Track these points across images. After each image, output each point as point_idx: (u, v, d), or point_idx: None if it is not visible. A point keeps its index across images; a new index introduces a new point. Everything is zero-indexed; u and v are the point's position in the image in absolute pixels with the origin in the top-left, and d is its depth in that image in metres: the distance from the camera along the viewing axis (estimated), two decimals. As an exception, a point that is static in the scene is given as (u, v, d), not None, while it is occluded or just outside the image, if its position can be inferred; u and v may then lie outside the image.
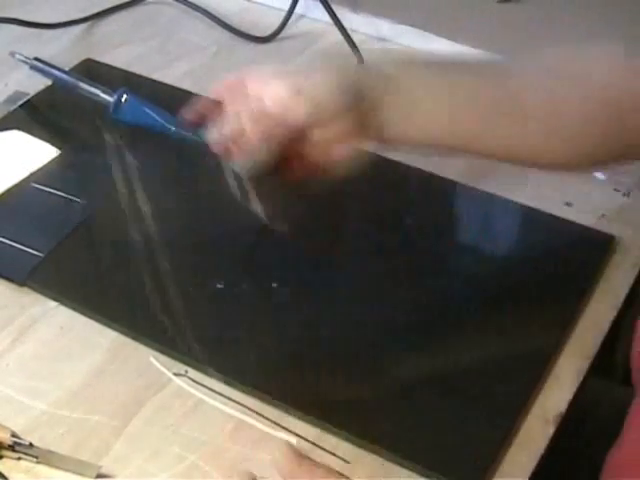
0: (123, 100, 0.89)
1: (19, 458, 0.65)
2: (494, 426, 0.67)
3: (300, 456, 0.59)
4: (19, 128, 0.93)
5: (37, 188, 0.86)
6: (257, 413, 0.69)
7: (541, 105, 0.69)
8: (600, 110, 0.69)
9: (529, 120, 0.69)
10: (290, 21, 1.08)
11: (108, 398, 0.70)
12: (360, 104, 0.67)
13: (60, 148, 0.92)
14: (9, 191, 0.86)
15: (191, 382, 0.71)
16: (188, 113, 0.73)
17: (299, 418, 0.68)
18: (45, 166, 0.89)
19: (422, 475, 0.65)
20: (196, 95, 0.97)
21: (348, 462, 0.66)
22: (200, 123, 0.73)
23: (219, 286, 0.77)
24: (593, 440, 0.67)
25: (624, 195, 0.86)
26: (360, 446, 0.66)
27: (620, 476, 0.60)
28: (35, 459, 0.65)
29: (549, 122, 0.69)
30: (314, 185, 0.73)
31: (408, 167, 0.89)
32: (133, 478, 0.65)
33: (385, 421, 0.68)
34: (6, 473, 0.64)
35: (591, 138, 0.69)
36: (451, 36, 1.03)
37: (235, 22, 1.09)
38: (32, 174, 0.87)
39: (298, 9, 1.09)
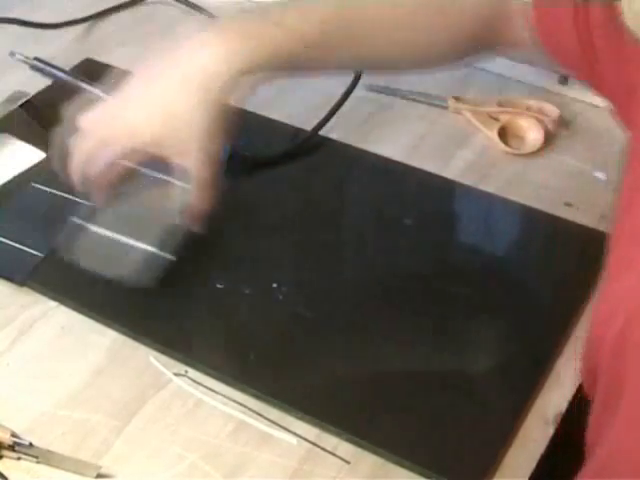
0: (123, 100, 0.89)
1: (19, 458, 0.65)
2: (494, 426, 0.67)
3: None
4: (18, 128, 0.93)
5: (37, 188, 0.86)
6: (257, 413, 0.69)
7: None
8: (466, 37, 0.72)
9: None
10: (290, 21, 1.08)
11: (108, 398, 0.70)
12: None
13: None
14: (9, 191, 0.86)
15: (191, 382, 0.71)
16: None
17: (299, 418, 0.68)
18: (45, 166, 0.89)
19: (422, 475, 0.65)
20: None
21: (348, 462, 0.66)
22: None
23: (219, 286, 0.77)
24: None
25: None
26: (360, 446, 0.66)
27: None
28: (35, 459, 0.65)
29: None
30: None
31: (408, 167, 0.89)
32: (133, 478, 0.65)
33: (385, 421, 0.68)
34: (6, 473, 0.64)
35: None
36: (451, 36, 1.03)
37: (235, 22, 1.09)
38: (31, 175, 0.87)
39: (298, 9, 1.08)
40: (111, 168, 0.72)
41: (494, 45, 0.74)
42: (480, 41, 0.73)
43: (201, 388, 0.70)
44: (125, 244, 0.75)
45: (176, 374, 0.71)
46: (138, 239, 0.75)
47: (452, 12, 0.71)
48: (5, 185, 0.86)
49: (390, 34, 0.71)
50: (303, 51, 0.69)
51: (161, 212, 0.75)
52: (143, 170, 0.74)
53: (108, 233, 0.76)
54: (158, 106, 0.69)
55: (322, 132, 0.93)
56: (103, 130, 0.71)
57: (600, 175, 0.88)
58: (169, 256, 0.74)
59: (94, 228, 0.76)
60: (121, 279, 0.72)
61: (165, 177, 0.74)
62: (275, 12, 0.70)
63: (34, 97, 0.97)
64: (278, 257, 0.80)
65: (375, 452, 0.66)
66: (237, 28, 0.69)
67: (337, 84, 0.98)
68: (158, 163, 0.72)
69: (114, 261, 0.75)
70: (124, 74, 0.73)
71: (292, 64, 0.70)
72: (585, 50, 0.64)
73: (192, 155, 0.70)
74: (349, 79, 0.98)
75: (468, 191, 0.87)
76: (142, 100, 0.70)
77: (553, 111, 0.94)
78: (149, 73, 0.71)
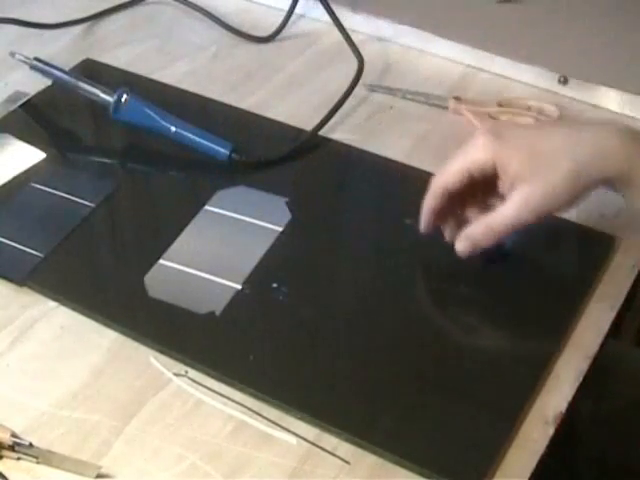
0: (123, 100, 0.90)
1: (19, 458, 0.65)
2: (494, 426, 0.67)
3: None
4: (18, 128, 0.93)
5: (37, 188, 0.86)
6: (257, 413, 0.69)
7: None
8: None
9: None
10: (290, 21, 1.08)
11: (108, 398, 0.70)
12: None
13: (57, 148, 0.92)
14: (9, 191, 0.86)
15: (191, 382, 0.71)
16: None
17: (299, 418, 0.68)
18: (45, 166, 0.89)
19: (422, 475, 0.65)
20: (196, 95, 0.98)
21: (348, 462, 0.66)
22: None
23: (219, 286, 0.77)
24: (594, 439, 0.67)
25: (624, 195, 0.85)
26: (360, 446, 0.66)
27: None
28: (35, 459, 0.65)
29: None
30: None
31: (408, 167, 0.89)
32: (133, 478, 0.65)
33: (385, 421, 0.68)
34: (6, 473, 0.64)
35: None
36: (451, 36, 1.03)
37: (235, 22, 1.09)
38: (31, 175, 0.87)
39: (298, 9, 1.09)
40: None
41: None
42: None
43: (201, 388, 0.70)
44: (202, 278, 0.77)
45: (176, 374, 0.71)
46: (215, 274, 0.77)
47: None
48: (5, 185, 0.86)
49: None
50: None
51: (242, 251, 0.79)
52: (233, 215, 0.81)
53: (190, 270, 0.77)
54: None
55: (322, 132, 0.93)
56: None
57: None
58: (238, 286, 0.76)
59: (176, 266, 0.78)
60: (199, 311, 0.74)
61: (252, 220, 0.80)
62: None
63: (34, 97, 0.97)
64: (278, 257, 0.80)
65: (375, 452, 0.66)
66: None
67: (337, 84, 0.98)
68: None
69: (194, 295, 0.76)
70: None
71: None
72: None
73: (528, 188, 0.71)
74: (349, 79, 0.98)
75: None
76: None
77: (553, 111, 0.94)
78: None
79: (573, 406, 0.70)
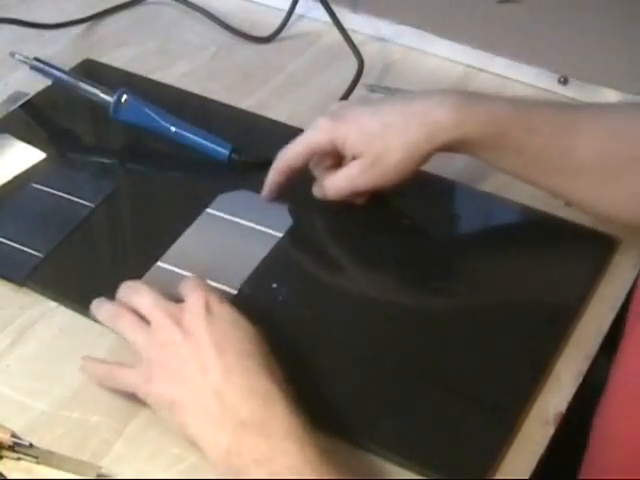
0: (123, 100, 0.90)
1: (19, 458, 0.65)
2: (494, 426, 0.67)
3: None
4: (18, 128, 0.93)
5: (37, 188, 0.86)
6: (257, 413, 0.68)
7: (592, 164, 0.76)
8: None
9: (579, 175, 0.76)
10: (290, 21, 1.08)
11: (108, 398, 0.69)
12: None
13: (57, 148, 0.92)
14: (9, 191, 0.86)
15: (191, 382, 0.71)
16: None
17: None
18: (45, 166, 0.89)
19: (422, 475, 0.65)
20: (196, 95, 0.98)
21: (348, 462, 0.65)
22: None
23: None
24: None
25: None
26: (360, 446, 0.66)
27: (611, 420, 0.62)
28: (35, 459, 0.65)
29: (600, 180, 0.76)
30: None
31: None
32: (133, 478, 0.65)
33: (385, 421, 0.68)
34: (6, 473, 0.64)
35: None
36: (451, 36, 1.03)
37: (235, 22, 1.09)
38: (31, 175, 0.87)
39: (298, 9, 1.09)
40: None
41: None
42: None
43: (201, 388, 0.70)
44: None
45: (176, 374, 0.71)
46: (209, 277, 0.75)
47: None
48: (5, 185, 0.86)
49: None
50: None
51: (240, 256, 0.79)
52: (234, 219, 0.82)
53: (185, 272, 0.77)
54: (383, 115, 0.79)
55: (322, 132, 0.93)
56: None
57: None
58: (234, 291, 0.76)
59: (173, 269, 0.78)
60: None
61: (252, 225, 0.81)
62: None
63: (34, 97, 0.97)
64: (278, 257, 0.80)
65: (375, 452, 0.66)
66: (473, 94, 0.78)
67: (337, 84, 0.98)
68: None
69: None
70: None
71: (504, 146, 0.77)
72: None
73: (361, 162, 0.79)
74: (349, 79, 0.98)
75: (468, 191, 0.87)
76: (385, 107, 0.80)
77: (553, 111, 0.94)
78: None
79: (573, 406, 0.70)
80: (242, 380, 0.63)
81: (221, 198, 0.85)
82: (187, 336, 0.65)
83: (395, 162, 0.78)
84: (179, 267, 0.78)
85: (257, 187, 0.86)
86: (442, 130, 0.76)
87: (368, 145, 0.78)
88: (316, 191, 0.83)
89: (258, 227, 0.82)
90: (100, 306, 0.71)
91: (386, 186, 0.80)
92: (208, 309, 0.66)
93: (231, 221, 0.82)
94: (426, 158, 0.78)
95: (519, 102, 0.77)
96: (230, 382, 0.62)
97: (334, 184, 0.81)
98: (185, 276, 0.75)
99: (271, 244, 0.80)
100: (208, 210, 0.83)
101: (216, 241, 0.81)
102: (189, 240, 0.81)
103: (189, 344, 0.65)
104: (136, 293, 0.70)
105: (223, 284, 0.76)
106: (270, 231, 0.81)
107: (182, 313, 0.66)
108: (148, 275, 0.77)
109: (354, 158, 0.79)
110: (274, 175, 0.82)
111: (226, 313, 0.67)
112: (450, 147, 0.77)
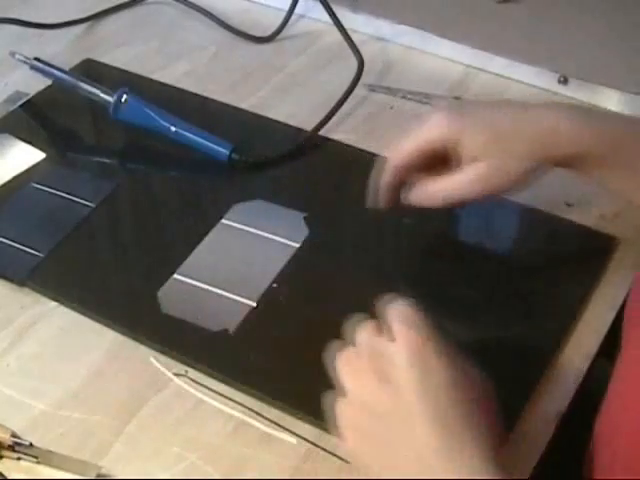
0: (123, 100, 0.90)
1: (19, 458, 0.65)
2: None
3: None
4: (18, 128, 0.93)
5: (37, 188, 0.86)
6: (257, 413, 0.69)
7: None
8: None
9: None
10: (290, 21, 1.08)
11: (108, 398, 0.70)
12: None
13: (57, 148, 0.92)
14: (9, 191, 0.86)
15: (191, 382, 0.71)
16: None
17: (299, 418, 0.68)
18: (45, 166, 0.89)
19: (422, 475, 0.65)
20: (196, 95, 0.98)
21: (348, 462, 0.66)
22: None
23: (219, 286, 0.77)
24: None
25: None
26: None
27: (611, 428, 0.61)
28: (35, 459, 0.65)
29: None
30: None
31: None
32: (133, 478, 0.65)
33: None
34: (6, 473, 0.64)
35: None
36: (451, 36, 1.03)
37: (235, 22, 1.09)
38: (31, 175, 0.87)
39: (298, 9, 1.09)
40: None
41: None
42: None
43: (201, 388, 0.70)
44: (215, 294, 0.76)
45: (176, 374, 0.71)
46: (228, 290, 0.76)
47: None
48: (5, 185, 0.86)
49: None
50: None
51: (256, 266, 0.78)
52: (250, 229, 0.80)
53: (204, 285, 0.77)
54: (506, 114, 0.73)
55: (322, 132, 0.93)
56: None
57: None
58: (253, 304, 0.75)
59: (192, 281, 0.77)
60: (211, 327, 0.74)
61: (269, 235, 0.80)
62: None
63: (34, 97, 0.97)
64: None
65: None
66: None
67: (337, 84, 0.98)
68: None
69: (205, 310, 0.75)
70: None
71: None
72: None
73: (478, 167, 0.72)
74: (349, 79, 0.98)
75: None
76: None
77: (553, 111, 0.94)
78: None
79: (573, 406, 0.70)
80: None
81: (236, 208, 0.84)
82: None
83: (515, 171, 0.72)
84: (197, 280, 0.77)
85: (257, 188, 0.86)
86: (565, 143, 0.71)
87: (487, 149, 0.72)
88: (413, 197, 0.76)
89: (275, 237, 0.81)
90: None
91: (490, 197, 0.74)
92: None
93: (247, 232, 0.82)
94: (542, 171, 0.73)
95: (635, 120, 0.74)
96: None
97: (444, 190, 0.74)
98: (201, 288, 0.75)
99: (289, 254, 0.80)
100: (223, 221, 0.82)
101: (233, 252, 0.80)
102: (205, 251, 0.80)
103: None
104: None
105: (242, 296, 0.76)
106: (287, 241, 0.81)
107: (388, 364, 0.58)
108: (165, 288, 0.77)
109: (461, 162, 0.73)
110: (388, 178, 0.75)
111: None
112: (566, 161, 0.72)
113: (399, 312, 0.61)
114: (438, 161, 0.74)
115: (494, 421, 0.58)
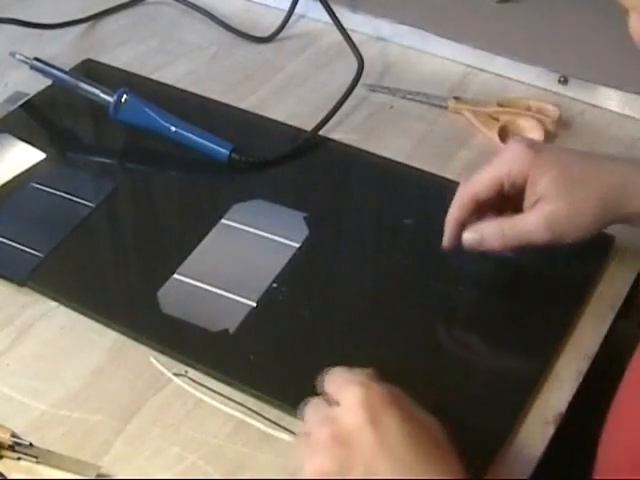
0: (123, 100, 0.90)
1: (19, 458, 0.65)
2: (494, 426, 0.67)
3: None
4: (18, 128, 0.93)
5: (37, 188, 0.86)
6: (257, 413, 0.69)
7: None
8: None
9: None
10: (290, 21, 1.08)
11: (108, 398, 0.70)
12: None
13: (57, 148, 0.92)
14: (9, 191, 0.86)
15: (191, 382, 0.71)
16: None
17: (299, 418, 0.68)
18: (45, 166, 0.89)
19: (422, 475, 0.65)
20: (196, 95, 0.98)
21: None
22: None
23: (219, 286, 0.77)
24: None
25: None
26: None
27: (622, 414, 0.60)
28: (35, 459, 0.65)
29: None
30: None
31: (408, 167, 0.89)
32: (133, 478, 0.65)
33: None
34: (6, 473, 0.64)
35: None
36: (451, 36, 1.03)
37: (235, 22, 1.09)
38: (31, 175, 0.87)
39: (298, 9, 1.09)
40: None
41: None
42: None
43: (201, 388, 0.70)
44: (215, 294, 0.76)
45: (176, 374, 0.71)
46: (228, 290, 0.76)
47: None
48: (5, 185, 0.86)
49: None
50: None
51: (256, 266, 0.78)
52: (250, 229, 0.80)
53: (204, 285, 0.76)
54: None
55: (322, 132, 0.93)
56: None
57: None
58: (253, 304, 0.75)
59: (192, 282, 0.77)
60: (211, 327, 0.73)
61: (269, 235, 0.79)
62: None
63: (34, 97, 0.97)
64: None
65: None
66: None
67: (337, 84, 0.98)
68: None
69: (205, 310, 0.75)
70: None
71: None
72: None
73: (552, 211, 0.70)
74: (349, 79, 0.98)
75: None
76: None
77: (553, 111, 0.94)
78: None
79: (573, 406, 0.70)
80: None
81: (236, 208, 0.84)
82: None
83: (587, 219, 0.70)
84: (197, 280, 0.77)
85: (257, 188, 0.86)
86: (636, 199, 0.70)
87: (566, 190, 0.70)
88: (470, 236, 0.73)
89: (275, 237, 0.81)
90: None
91: (558, 243, 0.72)
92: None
93: (247, 232, 0.82)
94: (610, 224, 0.72)
95: None
96: None
97: (512, 228, 0.71)
98: (202, 288, 0.75)
99: (289, 254, 0.80)
100: (223, 221, 0.83)
101: (233, 252, 0.80)
102: (205, 251, 0.80)
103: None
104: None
105: (242, 296, 0.76)
106: (287, 241, 0.81)
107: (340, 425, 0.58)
108: (165, 288, 0.77)
109: (523, 200, 0.71)
110: (456, 212, 0.73)
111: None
112: (631, 218, 0.72)
113: (335, 377, 0.61)
114: (499, 202, 0.73)
115: (455, 460, 0.58)
